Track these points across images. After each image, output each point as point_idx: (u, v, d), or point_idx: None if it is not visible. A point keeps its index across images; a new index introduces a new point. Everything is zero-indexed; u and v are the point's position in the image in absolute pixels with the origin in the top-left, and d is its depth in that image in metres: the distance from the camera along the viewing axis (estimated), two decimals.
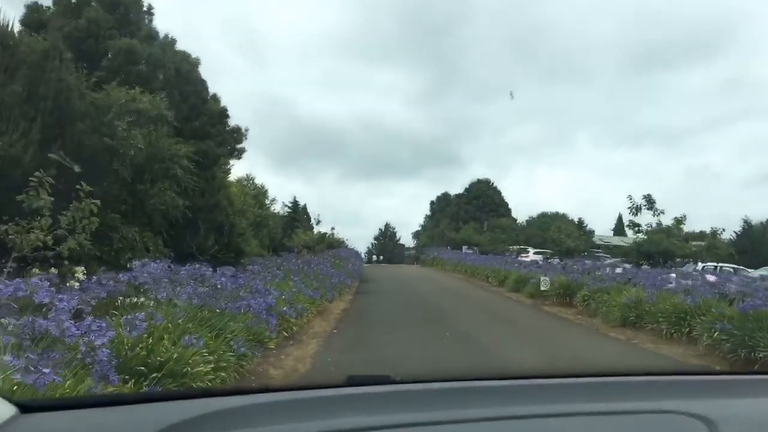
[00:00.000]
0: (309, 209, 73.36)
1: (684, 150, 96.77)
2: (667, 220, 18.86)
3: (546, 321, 15.98)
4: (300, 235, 60.83)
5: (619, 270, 20.49)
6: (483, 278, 31.21)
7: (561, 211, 70.04)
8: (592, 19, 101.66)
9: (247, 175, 55.42)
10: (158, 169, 15.23)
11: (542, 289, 21.09)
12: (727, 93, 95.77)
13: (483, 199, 64.05)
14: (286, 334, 11.46)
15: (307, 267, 17.85)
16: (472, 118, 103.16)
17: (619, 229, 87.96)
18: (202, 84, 22.82)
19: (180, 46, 22.68)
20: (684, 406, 1.62)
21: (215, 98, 25.62)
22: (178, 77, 21.48)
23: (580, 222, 69.62)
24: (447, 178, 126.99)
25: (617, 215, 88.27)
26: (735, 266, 26.24)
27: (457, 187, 69.10)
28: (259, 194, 45.17)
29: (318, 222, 69.08)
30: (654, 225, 18.62)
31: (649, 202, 18.49)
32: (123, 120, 14.23)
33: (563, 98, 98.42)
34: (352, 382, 1.74)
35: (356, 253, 41.14)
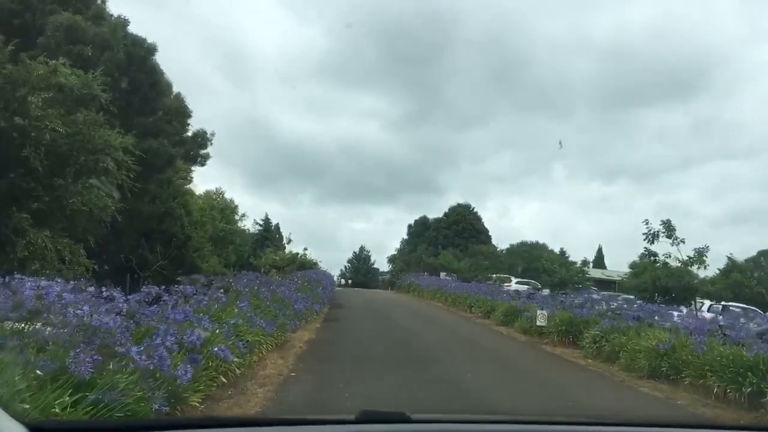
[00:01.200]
0: (282, 229, 70.78)
1: (656, 186, 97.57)
2: (684, 250, 16.33)
3: (554, 366, 13.21)
4: (269, 255, 57.79)
5: (622, 305, 17.85)
6: (466, 308, 28.41)
7: (538, 241, 67.92)
8: (570, 55, 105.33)
9: (216, 188, 52.79)
10: (85, 162, 12.26)
11: (539, 324, 18.36)
12: (699, 133, 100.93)
13: (463, 224, 61.54)
14: (225, 380, 8.51)
15: (266, 289, 14.88)
16: (450, 146, 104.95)
17: (598, 262, 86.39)
18: (158, 74, 19.91)
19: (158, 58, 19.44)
20: None
21: (178, 97, 22.73)
22: (129, 64, 18.57)
23: (562, 252, 67.50)
24: (423, 204, 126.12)
25: (597, 247, 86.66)
26: (743, 305, 23.85)
27: (433, 214, 66.88)
28: (227, 208, 42.05)
29: (289, 241, 66.23)
30: (670, 255, 16.17)
31: (668, 228, 15.94)
32: (38, 96, 11.31)
33: (540, 130, 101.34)
34: (366, 418, 1.66)
35: (328, 276, 38.15)
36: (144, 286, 8.35)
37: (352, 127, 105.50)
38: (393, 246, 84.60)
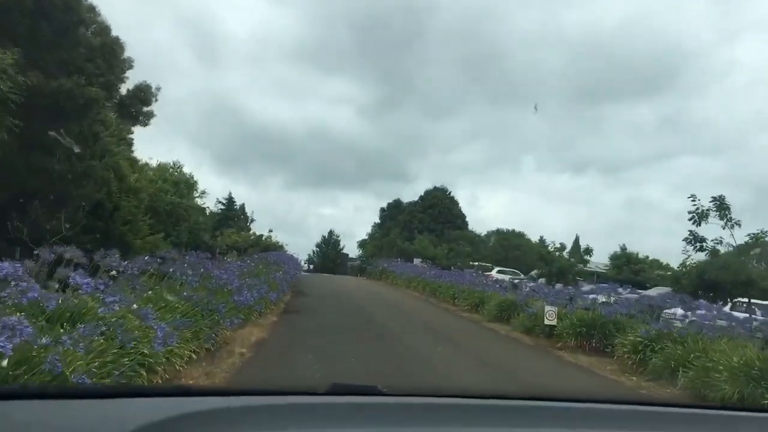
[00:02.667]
0: (248, 210, 66.52)
1: (623, 180, 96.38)
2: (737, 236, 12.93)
3: (597, 386, 9.66)
4: (231, 235, 53.70)
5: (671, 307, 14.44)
6: (448, 299, 24.87)
7: (514, 229, 64.73)
8: (542, 49, 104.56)
9: (174, 162, 48.41)
10: None
11: (547, 323, 14.89)
12: (666, 129, 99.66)
13: (439, 208, 57.90)
14: None
15: (194, 272, 11.01)
16: (420, 135, 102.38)
17: (574, 253, 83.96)
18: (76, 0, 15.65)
19: (130, 39, 15.40)
20: None
21: (107, 31, 18.42)
22: None
23: (542, 241, 64.60)
24: (392, 191, 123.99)
25: (574, 237, 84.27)
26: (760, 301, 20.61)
27: (404, 201, 63.65)
28: (181, 182, 37.67)
29: (251, 221, 62.03)
30: (721, 241, 12.80)
31: (721, 207, 12.48)
32: None
33: (510, 122, 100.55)
34: (336, 390, 1.64)
35: (293, 260, 34.22)
36: None
37: (323, 112, 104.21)
38: (362, 233, 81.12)
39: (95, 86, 15.80)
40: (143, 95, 22.87)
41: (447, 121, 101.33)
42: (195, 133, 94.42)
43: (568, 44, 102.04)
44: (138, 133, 25.23)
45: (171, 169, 49.24)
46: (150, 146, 49.00)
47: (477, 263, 41.30)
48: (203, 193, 55.03)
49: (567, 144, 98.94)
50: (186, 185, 47.83)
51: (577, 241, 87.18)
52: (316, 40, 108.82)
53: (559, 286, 25.14)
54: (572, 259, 36.45)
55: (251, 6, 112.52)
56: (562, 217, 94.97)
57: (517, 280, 30.13)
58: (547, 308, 15.21)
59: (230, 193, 63.19)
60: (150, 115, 23.38)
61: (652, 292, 26.06)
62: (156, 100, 23.28)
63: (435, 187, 60.52)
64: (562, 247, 35.84)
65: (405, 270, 36.07)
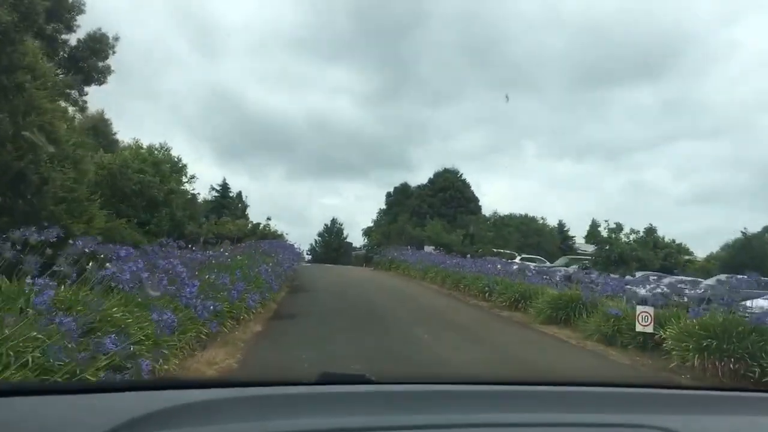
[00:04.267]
0: (246, 198, 62.41)
1: (625, 165, 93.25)
2: None
3: None
4: (225, 224, 49.72)
5: None
6: (477, 293, 20.49)
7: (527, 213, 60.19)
8: (542, 33, 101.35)
9: (160, 143, 44.32)
10: None
11: (642, 330, 10.54)
12: (667, 113, 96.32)
13: (450, 191, 53.20)
14: None
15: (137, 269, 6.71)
16: (421, 122, 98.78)
17: (592, 237, 79.59)
18: None
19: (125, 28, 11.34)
20: (653, 420, 1.60)
21: None
22: None
23: (561, 226, 60.15)
24: (395, 180, 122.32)
25: (590, 221, 79.93)
26: None
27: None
28: (161, 162, 33.22)
29: (246, 208, 57.54)
30: None
31: None
32: None
33: (511, 108, 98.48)
34: (326, 380, 1.64)
35: (291, 249, 29.79)
36: None
37: (323, 101, 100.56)
38: (365, 222, 77.55)
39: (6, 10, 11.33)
40: (97, 47, 18.43)
41: (448, 108, 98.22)
42: (194, 124, 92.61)
43: (568, 26, 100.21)
44: (134, 125, 21.16)
45: (156, 151, 44.97)
46: (147, 137, 46.21)
47: (499, 250, 36.90)
48: (193, 177, 50.83)
49: (568, 129, 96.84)
50: (172, 168, 43.58)
51: (594, 225, 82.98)
52: (314, 28, 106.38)
53: (612, 276, 20.75)
54: (633, 242, 31.79)
55: None
56: (563, 203, 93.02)
57: (566, 269, 25.77)
58: (641, 309, 10.84)
59: (224, 179, 58.80)
60: (107, 71, 18.97)
61: (711, 281, 21.85)
62: (114, 53, 18.89)
63: (445, 168, 55.86)
64: (619, 227, 31.20)
65: (419, 259, 31.62)
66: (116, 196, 19.41)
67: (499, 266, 22.82)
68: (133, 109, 79.65)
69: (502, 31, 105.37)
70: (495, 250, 35.93)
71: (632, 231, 31.40)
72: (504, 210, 61.69)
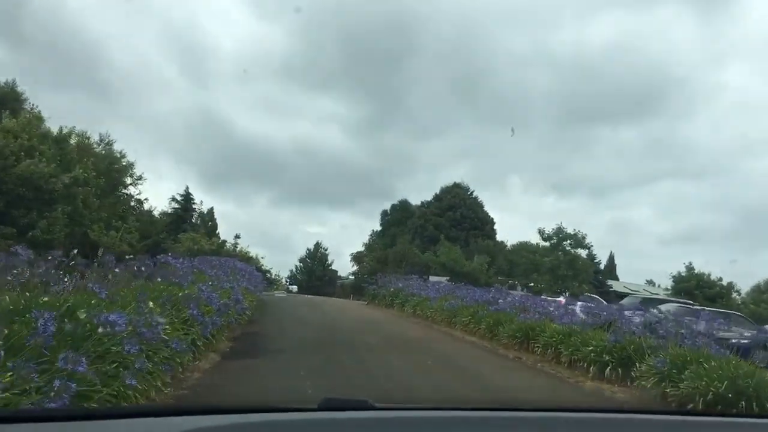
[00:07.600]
0: (231, 227, 52.90)
1: (610, 202, 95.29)
2: None
3: None
4: (184, 241, 40.54)
5: None
6: (552, 357, 10.99)
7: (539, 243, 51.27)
8: (530, 70, 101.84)
9: (101, 135, 34.97)
10: None
11: None
12: (653, 152, 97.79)
13: (461, 210, 43.92)
14: None
15: None
16: (408, 154, 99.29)
17: (609, 272, 70.68)
18: None
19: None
20: None
21: None
22: None
23: (591, 257, 50.83)
24: (380, 210, 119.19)
25: (608, 255, 70.87)
26: None
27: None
28: (63, 141, 23.50)
29: (209, 223, 47.69)
30: None
31: None
32: None
33: (498, 142, 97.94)
34: (328, 405, 1.64)
35: (247, 272, 20.07)
36: None
37: (310, 129, 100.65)
38: (349, 252, 70.23)
39: None
40: None
41: (435, 141, 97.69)
42: (180, 149, 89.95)
43: (557, 65, 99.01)
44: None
45: (97, 145, 35.49)
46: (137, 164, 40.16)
47: (538, 285, 27.38)
48: (139, 179, 41.09)
49: (554, 165, 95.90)
50: (110, 164, 34.00)
51: (612, 258, 73.62)
52: (303, 58, 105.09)
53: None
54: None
55: (238, 22, 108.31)
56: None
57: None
58: None
59: (187, 188, 48.99)
60: None
61: None
62: None
63: (455, 183, 46.57)
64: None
65: (440, 293, 21.99)
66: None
67: (558, 308, 13.39)
68: (119, 132, 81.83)
69: (490, 67, 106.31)
70: (535, 284, 26.34)
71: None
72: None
